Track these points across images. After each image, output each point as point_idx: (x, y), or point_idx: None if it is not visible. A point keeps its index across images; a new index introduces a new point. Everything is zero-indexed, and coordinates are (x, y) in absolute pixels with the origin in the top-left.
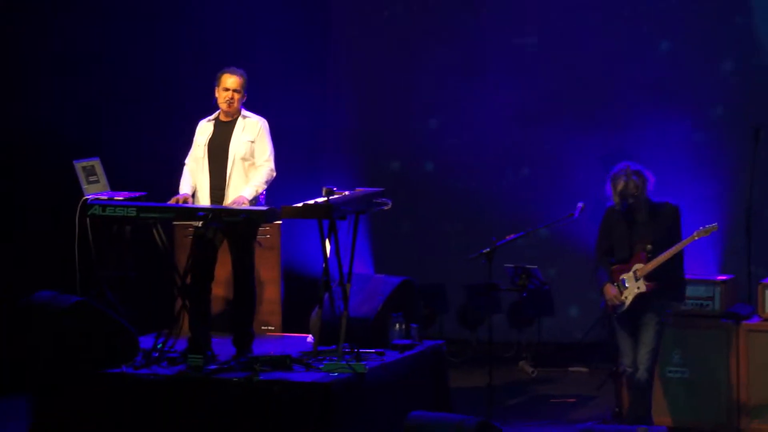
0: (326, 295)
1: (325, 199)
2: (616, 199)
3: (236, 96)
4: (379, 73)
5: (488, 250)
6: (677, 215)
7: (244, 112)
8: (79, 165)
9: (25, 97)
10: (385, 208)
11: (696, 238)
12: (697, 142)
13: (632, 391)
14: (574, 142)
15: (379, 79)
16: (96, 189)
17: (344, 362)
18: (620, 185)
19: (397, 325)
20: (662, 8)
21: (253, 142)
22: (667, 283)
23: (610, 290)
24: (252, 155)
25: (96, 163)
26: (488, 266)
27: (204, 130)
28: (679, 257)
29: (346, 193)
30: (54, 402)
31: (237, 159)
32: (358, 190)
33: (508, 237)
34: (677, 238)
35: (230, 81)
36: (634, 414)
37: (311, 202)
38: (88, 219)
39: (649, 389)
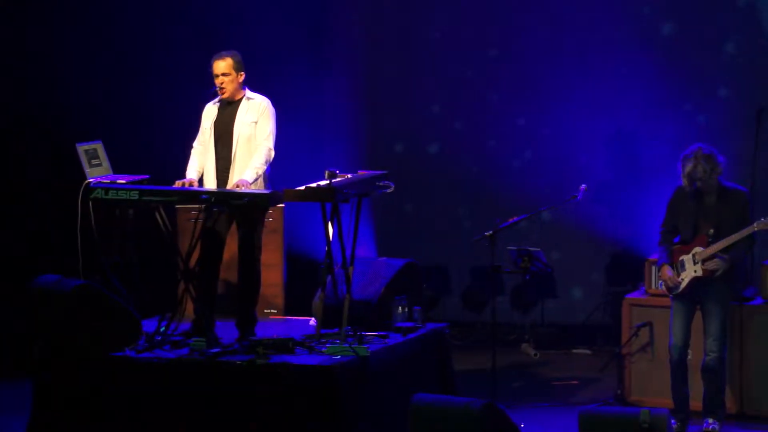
0: (329, 278)
1: (328, 182)
2: (684, 181)
3: (226, 79)
4: (383, 54)
5: (491, 232)
6: (746, 202)
7: (248, 93)
8: (81, 148)
9: (28, 81)
10: (388, 190)
11: (756, 229)
12: (700, 124)
13: (704, 377)
14: (578, 125)
15: (382, 60)
16: (98, 172)
17: (347, 345)
18: (688, 167)
19: (400, 308)
20: None
21: (256, 122)
22: (727, 274)
23: (666, 272)
24: (257, 136)
25: (98, 147)
26: (491, 248)
27: (209, 113)
28: (745, 246)
29: (349, 176)
30: (57, 385)
31: (241, 140)
32: (361, 172)
33: (511, 219)
34: (745, 225)
35: (218, 66)
36: (709, 402)
37: (314, 185)
38: (90, 202)
39: (722, 377)
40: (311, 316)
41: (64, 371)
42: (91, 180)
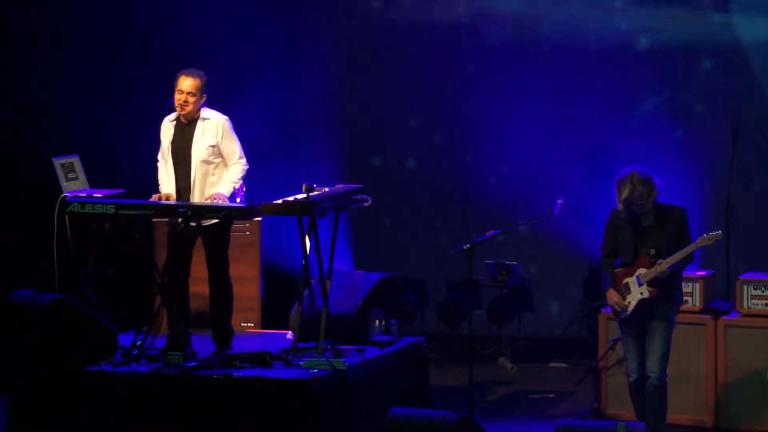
0: (306, 292)
1: (305, 195)
2: (620, 206)
3: (190, 99)
4: (359, 68)
5: (468, 246)
6: (684, 218)
7: (203, 113)
8: (58, 162)
9: (2, 95)
10: (365, 204)
11: (700, 245)
12: (677, 140)
13: (647, 398)
14: (556, 140)
15: (359, 74)
16: (75, 186)
17: (324, 359)
18: (625, 193)
19: (377, 322)
20: (641, 6)
21: (214, 146)
22: (670, 291)
23: (613, 296)
24: (216, 156)
25: (75, 161)
26: (468, 262)
27: (166, 130)
28: (685, 263)
29: (326, 189)
30: (32, 400)
31: (200, 163)
32: (338, 186)
33: (488, 233)
34: (686, 241)
35: (185, 83)
36: (649, 424)
37: (291, 198)
38: (66, 216)
39: (663, 398)
40: (288, 329)
41: (40, 385)
42: (67, 194)
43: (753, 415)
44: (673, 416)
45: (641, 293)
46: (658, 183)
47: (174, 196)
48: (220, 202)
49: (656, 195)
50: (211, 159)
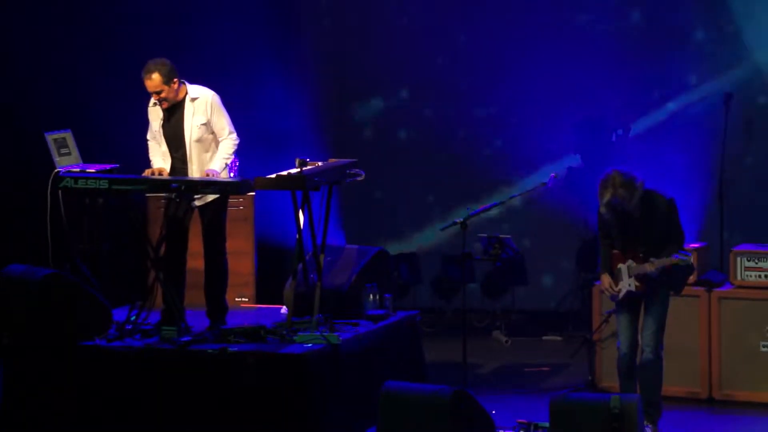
0: (300, 267)
1: (299, 170)
2: (602, 209)
3: (163, 94)
4: (351, 41)
5: (462, 220)
6: (672, 209)
7: (190, 92)
8: (50, 137)
9: None
10: (359, 178)
11: (673, 263)
12: (669, 111)
13: (641, 372)
14: (548, 112)
15: (350, 47)
16: (68, 161)
17: (318, 333)
18: (606, 197)
19: (371, 296)
20: None
21: (206, 123)
22: (667, 274)
23: (606, 280)
24: (209, 133)
25: (68, 136)
26: (462, 236)
27: (154, 114)
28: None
29: (319, 164)
30: (26, 375)
31: (194, 143)
32: (332, 160)
33: (481, 207)
34: (676, 233)
35: (148, 85)
36: (644, 397)
37: (285, 173)
38: (59, 191)
39: (659, 371)
40: (282, 304)
41: (34, 361)
42: (60, 169)
43: (746, 386)
44: (666, 387)
45: (629, 285)
46: (641, 179)
47: (167, 170)
48: (213, 177)
49: (640, 194)
50: (204, 137)
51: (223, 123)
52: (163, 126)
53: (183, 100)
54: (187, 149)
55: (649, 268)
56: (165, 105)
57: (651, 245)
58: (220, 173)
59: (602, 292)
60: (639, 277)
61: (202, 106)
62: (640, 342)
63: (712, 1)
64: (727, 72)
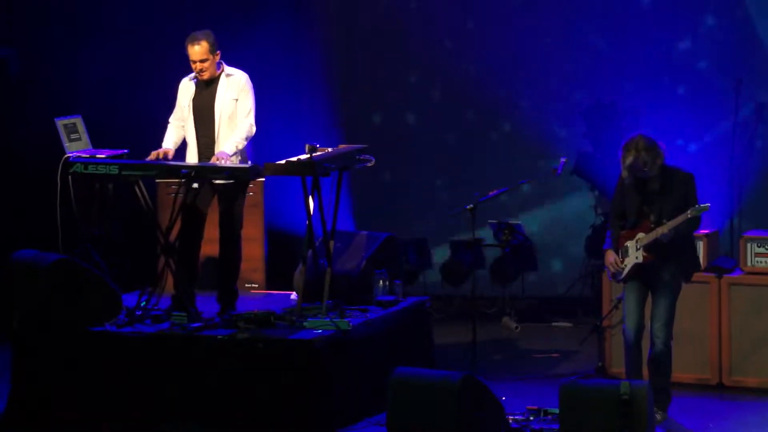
0: (310, 252)
1: (309, 155)
2: (624, 173)
3: (204, 65)
4: (360, 24)
5: (471, 206)
6: (690, 183)
7: (226, 69)
8: (60, 123)
9: (7, 55)
10: (368, 164)
11: (689, 215)
12: (680, 96)
13: (652, 363)
14: (557, 97)
15: (359, 31)
16: (78, 147)
17: (328, 319)
18: (629, 160)
19: (381, 282)
20: None
21: (236, 99)
22: (676, 259)
23: (610, 256)
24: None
25: (78, 121)
26: (472, 222)
27: (186, 89)
28: (690, 227)
29: (329, 149)
30: (36, 360)
31: (224, 118)
32: (341, 146)
33: (491, 193)
34: (691, 206)
35: (194, 51)
36: (654, 385)
37: (294, 159)
38: (70, 177)
39: (669, 363)
40: (292, 290)
41: (44, 346)
42: (70, 154)
43: (756, 372)
44: (677, 374)
45: (636, 257)
46: (664, 148)
47: (172, 152)
48: (223, 161)
49: (661, 161)
50: (234, 113)
51: (247, 105)
52: (194, 100)
53: (219, 77)
54: (216, 124)
55: (661, 230)
56: (205, 75)
57: (665, 215)
58: (230, 156)
59: (606, 268)
60: (648, 248)
61: (236, 83)
62: (646, 325)
63: None
64: (738, 57)
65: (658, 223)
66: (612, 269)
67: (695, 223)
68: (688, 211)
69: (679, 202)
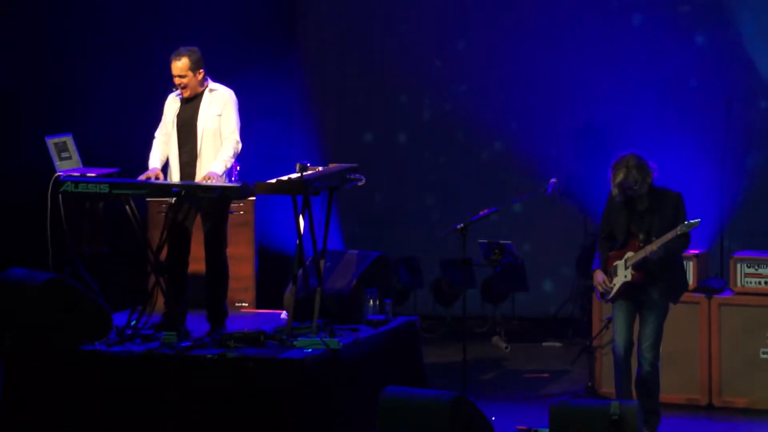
0: (300, 271)
1: (299, 174)
2: (614, 190)
3: (185, 81)
4: (351, 45)
5: (462, 225)
6: (679, 204)
7: (211, 84)
8: (51, 141)
9: None
10: (359, 183)
11: (679, 232)
12: (670, 115)
13: (640, 384)
14: (548, 117)
15: (350, 51)
16: (68, 165)
17: (318, 338)
18: (619, 177)
19: (371, 301)
20: None
21: (220, 115)
22: (664, 279)
23: (598, 276)
24: (221, 128)
25: (68, 140)
26: (462, 241)
27: (171, 104)
28: (678, 246)
29: (320, 168)
30: (26, 379)
31: (206, 134)
32: (332, 165)
33: (481, 212)
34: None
35: (176, 67)
36: (643, 406)
37: (285, 177)
38: (60, 195)
39: (657, 384)
40: (282, 309)
41: (34, 365)
42: (60, 173)
43: (746, 393)
44: (666, 395)
45: (625, 276)
46: (654, 168)
47: (161, 173)
48: (213, 181)
49: (651, 180)
50: (217, 129)
51: (231, 121)
52: (178, 115)
53: (202, 93)
54: (198, 140)
55: (651, 248)
56: (186, 93)
57: (653, 235)
58: (220, 176)
59: (594, 288)
60: (637, 266)
61: (220, 98)
62: (635, 342)
63: (713, 5)
64: (727, 76)
65: (647, 242)
66: (600, 289)
67: (685, 240)
68: (678, 228)
69: (668, 222)
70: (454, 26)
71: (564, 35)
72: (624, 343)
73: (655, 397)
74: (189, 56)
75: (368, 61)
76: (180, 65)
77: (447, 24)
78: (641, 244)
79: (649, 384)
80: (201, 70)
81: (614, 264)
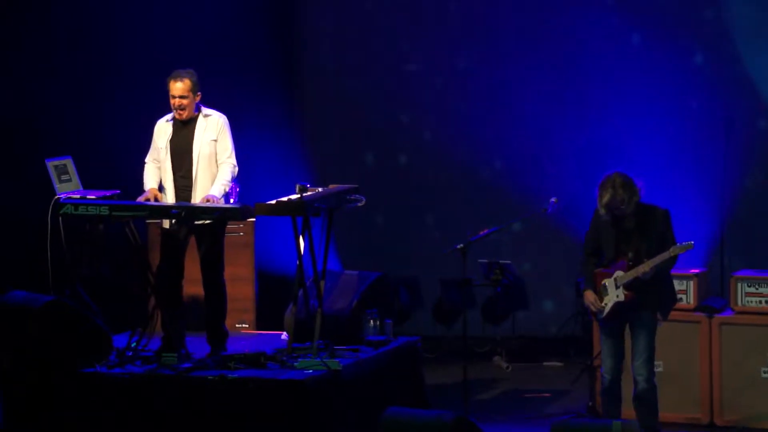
0: (300, 292)
1: (299, 196)
2: (602, 210)
3: (185, 102)
4: (350, 65)
5: (462, 245)
6: (667, 220)
7: (204, 110)
8: (51, 164)
9: None
10: (359, 204)
11: (672, 254)
12: (670, 135)
13: (638, 402)
14: (548, 136)
15: (350, 71)
16: (68, 188)
17: (319, 359)
18: (606, 197)
19: (372, 322)
20: (632, 1)
21: (215, 140)
22: (654, 296)
23: (590, 296)
24: (216, 152)
25: (68, 162)
26: (463, 261)
27: (163, 131)
28: (667, 266)
29: (320, 189)
30: (27, 401)
31: (202, 158)
32: (332, 186)
33: (482, 232)
34: (669, 244)
35: (177, 87)
36: (643, 426)
37: (285, 199)
38: (60, 218)
39: (655, 400)
40: (283, 330)
41: (35, 387)
42: (60, 195)
43: (748, 412)
44: (668, 414)
45: (617, 296)
46: (641, 186)
47: (159, 193)
48: (213, 203)
49: (638, 199)
50: (212, 154)
51: (226, 145)
52: (171, 140)
53: (196, 118)
54: (193, 165)
55: (642, 269)
56: (184, 114)
57: (642, 253)
58: (219, 199)
59: (586, 307)
60: (628, 286)
61: (214, 123)
62: (624, 368)
63: (713, 25)
64: (727, 95)
65: (636, 260)
66: (593, 309)
67: (674, 260)
68: (671, 250)
69: (656, 239)
70: (455, 44)
71: (564, 55)
72: (611, 370)
73: (655, 415)
74: (190, 78)
75: (368, 80)
76: (181, 86)
77: (447, 42)
78: (630, 263)
79: (647, 400)
80: (199, 93)
81: (603, 282)
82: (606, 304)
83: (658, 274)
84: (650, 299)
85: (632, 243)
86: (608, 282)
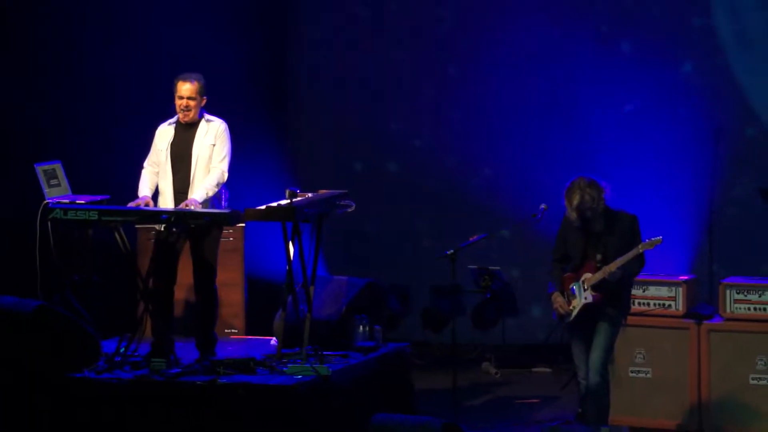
0: (290, 298)
1: (289, 201)
2: (573, 215)
3: (192, 103)
4: (341, 73)
5: (452, 251)
6: (635, 225)
7: (206, 116)
8: (40, 168)
9: None
10: (349, 210)
11: (641, 251)
12: (659, 143)
13: (587, 394)
14: (538, 144)
15: (341, 79)
16: (57, 192)
17: (308, 365)
18: (575, 199)
19: (361, 327)
20: (621, 10)
21: (214, 145)
22: (614, 294)
23: (558, 299)
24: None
25: (57, 167)
26: (452, 268)
27: (164, 134)
28: (635, 266)
29: (309, 195)
30: (15, 407)
31: (200, 162)
32: (322, 192)
33: (471, 239)
34: (634, 247)
35: (185, 88)
36: (591, 420)
37: (274, 204)
38: (49, 223)
39: (605, 393)
40: (272, 335)
41: (23, 393)
42: (49, 200)
43: (736, 419)
44: (657, 421)
45: (585, 298)
46: (606, 186)
47: (151, 201)
48: (192, 207)
49: (604, 200)
50: (210, 157)
51: (223, 151)
52: (173, 144)
53: (198, 122)
54: (192, 168)
55: (609, 269)
56: (189, 115)
57: (609, 256)
58: (200, 203)
59: (555, 311)
60: (596, 287)
61: (215, 129)
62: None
63: (702, 33)
64: (716, 104)
65: (604, 264)
66: (561, 311)
67: (641, 262)
68: (639, 246)
69: (623, 244)
70: (444, 52)
71: (555, 62)
72: (586, 375)
73: (605, 411)
74: (198, 80)
75: (358, 88)
76: (190, 87)
77: (437, 49)
78: (599, 265)
79: (597, 395)
80: (205, 97)
81: (571, 286)
82: (574, 307)
83: (625, 279)
84: (616, 300)
85: (599, 246)
86: (576, 286)
